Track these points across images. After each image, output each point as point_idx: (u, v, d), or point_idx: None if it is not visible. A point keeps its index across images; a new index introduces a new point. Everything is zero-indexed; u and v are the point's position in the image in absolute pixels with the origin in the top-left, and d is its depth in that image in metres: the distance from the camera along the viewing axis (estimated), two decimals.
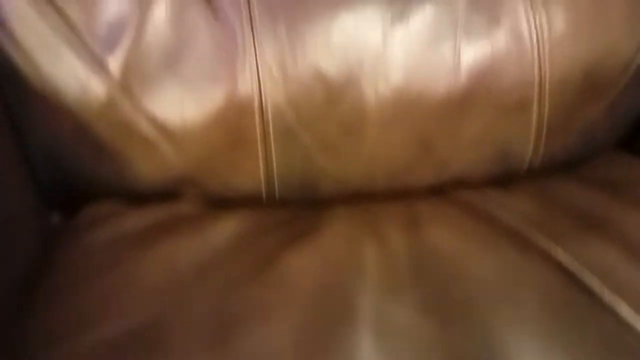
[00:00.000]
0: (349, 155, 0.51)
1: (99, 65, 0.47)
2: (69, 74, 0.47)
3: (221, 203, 0.53)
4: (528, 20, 0.50)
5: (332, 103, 0.50)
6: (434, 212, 0.48)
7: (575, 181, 0.53)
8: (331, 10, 0.49)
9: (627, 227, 0.44)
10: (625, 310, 0.36)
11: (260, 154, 0.50)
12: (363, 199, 0.53)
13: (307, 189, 0.53)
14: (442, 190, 0.54)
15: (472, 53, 0.50)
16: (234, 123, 0.49)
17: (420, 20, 0.49)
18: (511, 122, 0.52)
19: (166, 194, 0.52)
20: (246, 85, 0.48)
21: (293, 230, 0.46)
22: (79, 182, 0.52)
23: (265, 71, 0.48)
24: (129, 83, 0.47)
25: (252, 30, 0.48)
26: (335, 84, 0.49)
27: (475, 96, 0.50)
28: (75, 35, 0.47)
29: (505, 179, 0.55)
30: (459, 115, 0.51)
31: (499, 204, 0.49)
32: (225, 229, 0.48)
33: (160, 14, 0.47)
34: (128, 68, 0.47)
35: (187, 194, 0.53)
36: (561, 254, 0.40)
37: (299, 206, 0.53)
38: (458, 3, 0.50)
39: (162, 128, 0.48)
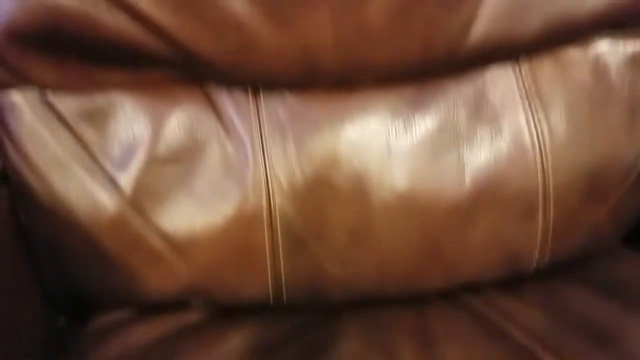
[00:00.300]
0: (358, 262, 0.52)
1: (110, 182, 0.48)
2: (80, 191, 0.48)
3: (229, 310, 0.53)
4: (530, 130, 0.51)
5: (340, 213, 0.50)
6: (446, 325, 0.48)
7: (583, 286, 0.54)
8: (336, 125, 0.50)
9: (636, 343, 0.44)
10: None
11: (268, 264, 0.50)
12: (373, 303, 0.53)
13: (315, 296, 0.53)
14: (452, 294, 0.54)
15: (475, 162, 0.51)
16: (243, 235, 0.49)
17: (423, 131, 0.51)
18: (518, 227, 0.52)
19: (174, 303, 0.52)
20: (256, 198, 0.49)
21: (302, 349, 0.46)
22: (87, 291, 0.52)
23: (275, 184, 0.49)
24: (139, 199, 0.48)
25: (262, 145, 0.49)
26: (343, 194, 0.50)
27: (481, 204, 0.51)
28: (88, 154, 0.48)
29: (513, 280, 0.55)
30: (466, 222, 0.51)
31: (510, 315, 0.49)
32: (233, 345, 0.47)
33: (172, 132, 0.49)
34: (139, 185, 0.48)
35: (195, 303, 0.52)
36: None
37: (308, 312, 0.53)
38: (460, 115, 0.51)
39: (171, 242, 0.49)
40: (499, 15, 0.48)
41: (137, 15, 0.44)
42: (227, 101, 0.50)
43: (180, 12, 0.44)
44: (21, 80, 0.47)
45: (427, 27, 0.47)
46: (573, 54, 0.52)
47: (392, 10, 0.45)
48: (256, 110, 0.50)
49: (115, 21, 0.43)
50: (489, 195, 0.51)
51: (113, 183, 0.48)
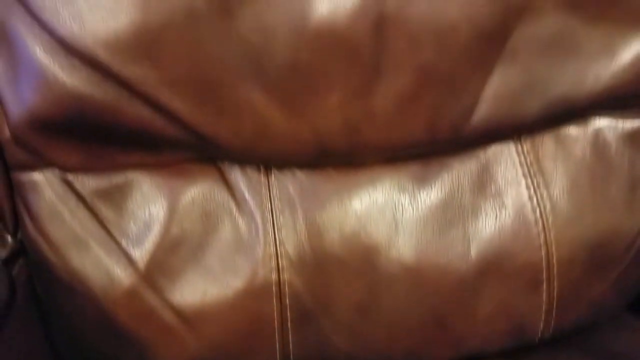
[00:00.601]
0: (365, 335, 0.52)
1: (125, 258, 0.49)
2: (96, 266, 0.49)
3: None
4: (533, 206, 0.53)
5: (348, 286, 0.51)
6: None
7: (586, 356, 0.55)
8: (345, 200, 0.51)
9: None
10: None
11: (277, 337, 0.51)
12: None
13: None
14: None
15: (480, 237, 0.52)
16: (253, 309, 0.50)
17: (429, 206, 0.52)
18: (523, 300, 0.53)
19: None
20: (266, 273, 0.50)
21: None
22: None
23: (284, 259, 0.50)
24: (153, 274, 0.49)
25: (273, 220, 0.51)
26: (351, 268, 0.51)
27: (487, 277, 0.52)
28: (105, 231, 0.49)
29: (518, 351, 0.56)
30: (471, 295, 0.52)
31: None
32: None
33: (186, 209, 0.50)
34: (153, 260, 0.49)
35: None
36: None
37: None
38: (464, 190, 0.53)
39: (182, 316, 0.50)
40: (501, 99, 0.50)
41: (157, 106, 0.46)
42: (239, 177, 0.51)
43: (199, 102, 0.46)
44: (43, 162, 0.49)
45: (431, 112, 0.49)
46: (573, 131, 0.54)
47: (398, 97, 0.47)
48: (267, 186, 0.51)
49: (137, 110, 0.45)
50: (494, 268, 0.52)
51: (128, 258, 0.49)
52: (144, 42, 0.43)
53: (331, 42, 0.45)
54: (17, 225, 0.53)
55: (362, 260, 0.51)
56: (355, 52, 0.45)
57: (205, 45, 0.45)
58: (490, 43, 0.48)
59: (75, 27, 0.43)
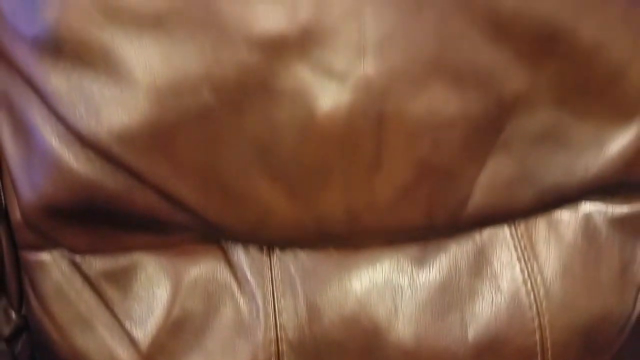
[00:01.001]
0: None
1: (128, 339, 0.50)
2: (99, 346, 0.50)
3: None
4: (527, 290, 0.54)
5: None
6: None
7: None
8: (345, 281, 0.53)
9: None
10: None
11: None
12: None
13: None
14: None
15: (477, 321, 0.53)
16: None
17: (427, 288, 0.53)
18: None
19: None
20: (265, 357, 0.51)
21: None
22: None
23: (285, 344, 0.51)
24: (154, 357, 0.50)
25: (274, 303, 0.52)
26: (351, 352, 0.52)
27: None
28: (109, 313, 0.50)
29: None
30: None
31: None
32: None
33: (189, 290, 0.51)
34: (155, 342, 0.50)
35: None
36: None
37: None
38: (461, 273, 0.54)
39: None
40: (495, 188, 0.52)
41: (166, 195, 0.47)
42: (242, 257, 0.52)
43: (206, 191, 0.48)
44: (52, 244, 0.50)
45: (429, 201, 0.50)
46: (565, 216, 0.56)
47: (397, 189, 0.49)
48: (269, 267, 0.53)
49: (146, 199, 0.47)
50: (490, 352, 0.53)
51: (131, 340, 0.50)
52: (157, 137, 0.45)
53: (334, 138, 0.47)
54: (21, 302, 0.54)
55: (362, 343, 0.52)
56: (357, 147, 0.48)
57: (215, 139, 0.47)
58: (484, 137, 0.50)
59: (92, 122, 0.45)
